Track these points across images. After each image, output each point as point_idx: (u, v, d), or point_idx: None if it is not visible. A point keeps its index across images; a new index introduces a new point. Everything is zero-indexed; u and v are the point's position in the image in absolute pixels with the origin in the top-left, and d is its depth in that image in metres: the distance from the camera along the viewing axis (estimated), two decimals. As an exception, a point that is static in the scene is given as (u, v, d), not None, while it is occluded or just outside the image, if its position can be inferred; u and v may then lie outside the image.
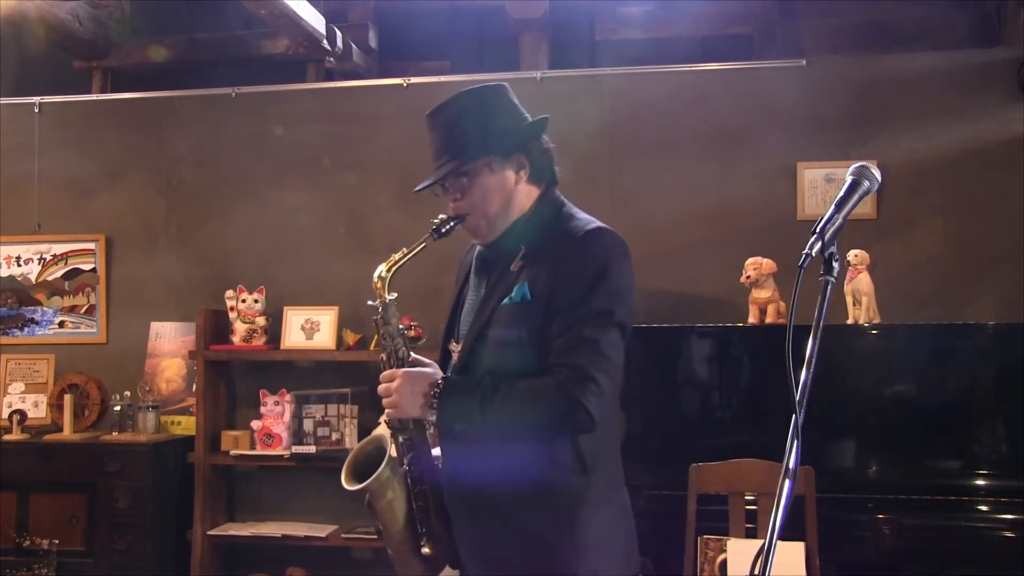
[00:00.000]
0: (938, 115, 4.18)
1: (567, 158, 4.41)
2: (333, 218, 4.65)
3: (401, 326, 2.05)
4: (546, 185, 2.05)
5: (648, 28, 5.58)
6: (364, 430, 4.29)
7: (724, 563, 3.04)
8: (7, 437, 4.49)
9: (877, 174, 1.57)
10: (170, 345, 4.71)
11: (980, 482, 3.42)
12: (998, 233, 4.09)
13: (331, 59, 5.01)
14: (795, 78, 4.31)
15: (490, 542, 1.94)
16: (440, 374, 1.97)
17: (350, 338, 4.37)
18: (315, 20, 4.63)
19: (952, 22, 5.15)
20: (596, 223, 1.97)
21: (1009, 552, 3.23)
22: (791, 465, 1.41)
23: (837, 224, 1.50)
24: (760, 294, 3.82)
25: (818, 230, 1.48)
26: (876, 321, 3.72)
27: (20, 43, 5.03)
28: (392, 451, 1.98)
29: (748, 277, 3.82)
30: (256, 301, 4.43)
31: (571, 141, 4.27)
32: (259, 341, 4.42)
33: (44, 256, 4.86)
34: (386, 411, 1.97)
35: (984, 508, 3.34)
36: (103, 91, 5.18)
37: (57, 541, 4.19)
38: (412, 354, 2.02)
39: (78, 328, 4.83)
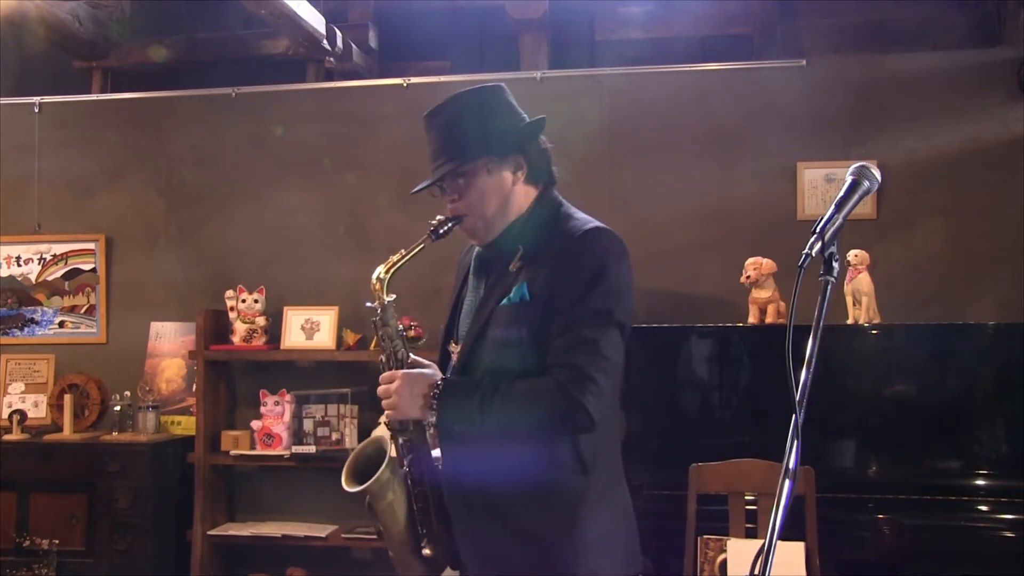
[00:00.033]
0: (938, 115, 4.18)
1: (567, 158, 4.40)
2: (333, 218, 4.65)
3: (401, 326, 2.05)
4: (544, 185, 2.05)
5: (648, 28, 5.58)
6: (364, 430, 4.30)
7: (724, 563, 3.04)
8: (7, 437, 4.49)
9: (877, 174, 1.57)
10: (170, 345, 4.71)
11: (980, 482, 3.42)
12: (998, 233, 4.09)
13: (331, 59, 5.01)
14: (795, 78, 4.31)
15: (490, 542, 1.94)
16: (439, 375, 1.97)
17: (350, 338, 4.37)
18: (315, 20, 4.63)
19: (952, 22, 5.15)
20: (594, 223, 1.97)
21: (1009, 552, 3.23)
22: (791, 465, 1.41)
23: (837, 224, 1.50)
24: (760, 294, 3.82)
25: (818, 230, 1.48)
26: (876, 321, 3.72)
27: (20, 43, 5.03)
28: (392, 452, 1.98)
29: (748, 277, 3.82)
30: (256, 301, 4.43)
31: (571, 141, 4.28)
32: (259, 341, 4.42)
33: (44, 256, 4.86)
34: (386, 412, 1.97)
35: (984, 508, 3.34)
36: (103, 91, 5.18)
37: (57, 541, 4.18)
38: (411, 355, 2.02)
39: (78, 328, 4.83)
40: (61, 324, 4.84)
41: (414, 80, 4.63)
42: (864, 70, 4.30)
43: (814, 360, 1.43)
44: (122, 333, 4.78)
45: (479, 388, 1.88)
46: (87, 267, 4.83)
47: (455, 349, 2.04)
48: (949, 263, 4.14)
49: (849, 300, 3.76)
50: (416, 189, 2.06)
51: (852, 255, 3.76)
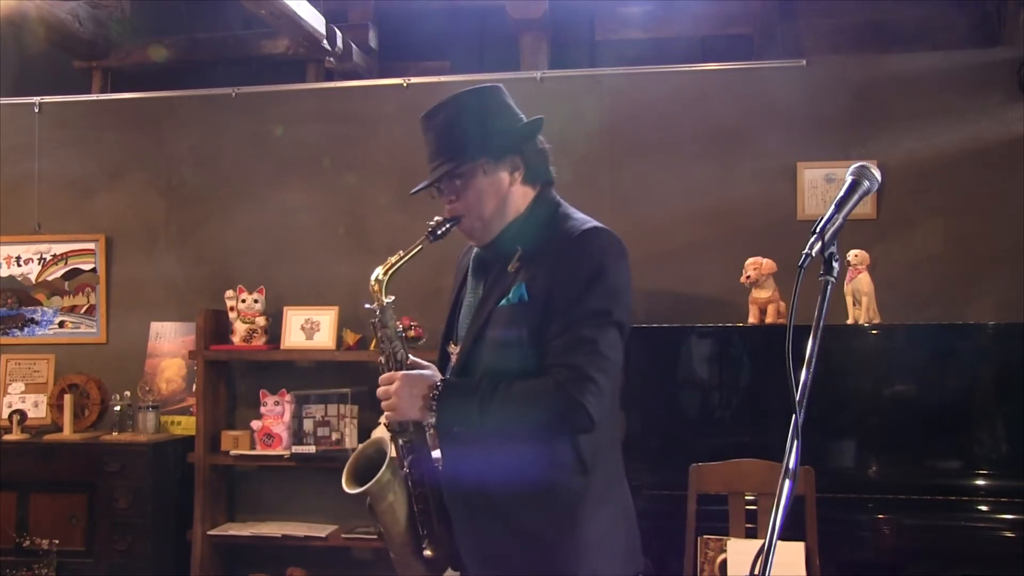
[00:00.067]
0: (938, 115, 4.18)
1: (567, 158, 4.40)
2: (333, 218, 4.65)
3: (401, 326, 2.06)
4: (542, 185, 2.05)
5: (648, 28, 5.58)
6: (364, 430, 4.30)
7: (724, 563, 3.04)
8: (7, 437, 4.49)
9: (877, 174, 1.57)
10: (170, 345, 4.71)
11: (980, 482, 3.42)
12: (998, 233, 4.09)
13: (331, 59, 5.01)
14: (795, 78, 4.31)
15: (490, 542, 1.94)
16: (439, 376, 1.97)
17: (350, 338, 4.37)
18: (315, 20, 4.64)
19: (952, 22, 5.15)
20: (592, 223, 1.97)
21: (1009, 552, 3.23)
22: (791, 465, 1.41)
23: (837, 224, 1.50)
24: (760, 294, 3.82)
25: (818, 230, 1.48)
26: (876, 321, 3.72)
27: (20, 43, 5.03)
28: (392, 454, 1.98)
29: (748, 277, 3.82)
30: (256, 301, 4.43)
31: (571, 141, 4.29)
32: (259, 341, 4.42)
33: (44, 256, 4.86)
34: (385, 414, 1.97)
35: (984, 508, 3.34)
36: (103, 91, 5.18)
37: (57, 541, 4.18)
38: (411, 356, 2.02)
39: (78, 328, 4.83)
40: (61, 324, 4.84)
41: (414, 80, 4.63)
42: (864, 70, 4.30)
43: (814, 360, 1.43)
44: (122, 333, 4.78)
45: (478, 389, 1.88)
46: (87, 267, 4.83)
47: (454, 350, 2.04)
48: (949, 263, 4.14)
49: (849, 300, 3.76)
50: (414, 190, 2.07)
51: (852, 255, 3.76)
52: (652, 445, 3.76)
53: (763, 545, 1.40)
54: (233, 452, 4.37)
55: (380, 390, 1.97)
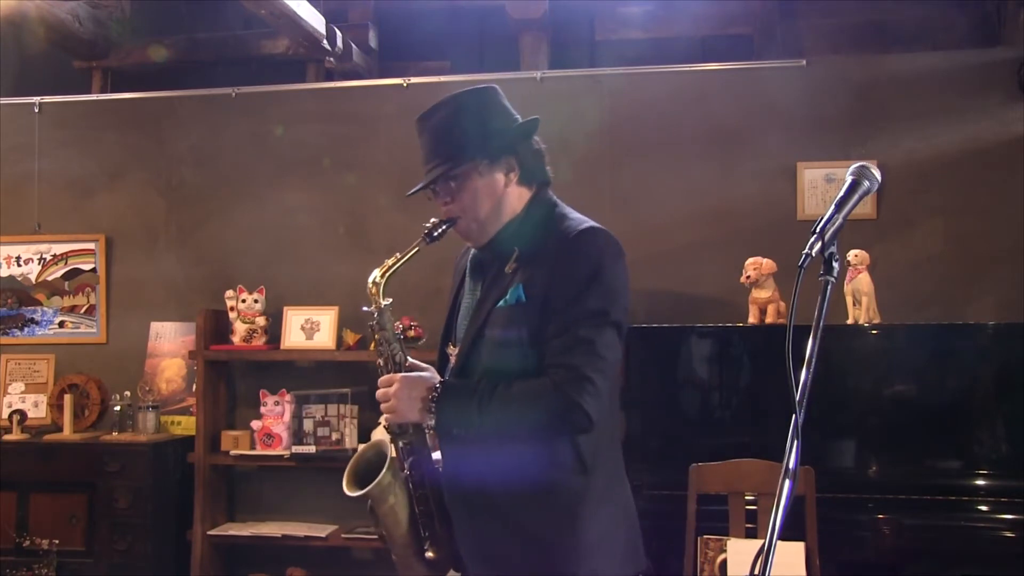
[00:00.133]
0: (938, 115, 4.18)
1: (567, 158, 4.41)
2: (333, 218, 4.65)
3: (401, 326, 2.06)
4: (538, 186, 2.05)
5: (648, 28, 5.58)
6: (364, 430, 4.30)
7: (724, 563, 3.04)
8: (7, 437, 4.49)
9: (877, 174, 1.57)
10: (170, 345, 4.71)
11: (980, 482, 3.42)
12: (998, 233, 4.09)
13: (331, 59, 5.01)
14: (795, 78, 4.31)
15: (490, 542, 1.94)
16: (437, 378, 1.97)
17: (350, 338, 4.37)
18: (315, 20, 4.64)
19: (952, 22, 5.15)
20: (589, 223, 1.97)
21: (1009, 552, 3.23)
22: (791, 465, 1.41)
23: (837, 224, 1.50)
24: (760, 294, 3.82)
25: (818, 230, 1.48)
26: (876, 321, 3.72)
27: (20, 43, 5.03)
28: (392, 455, 1.98)
29: (748, 277, 3.82)
30: (256, 301, 4.43)
31: (571, 141, 4.29)
32: (259, 341, 4.42)
33: (44, 256, 4.86)
34: (385, 416, 1.97)
35: (984, 508, 3.34)
36: (103, 91, 5.18)
37: (57, 541, 4.18)
38: (409, 359, 2.02)
39: (78, 328, 4.83)
40: (61, 324, 4.84)
41: (414, 80, 4.63)
42: (864, 70, 4.30)
43: (814, 360, 1.43)
44: (122, 333, 4.78)
45: (477, 390, 1.88)
46: (87, 267, 4.83)
47: (453, 351, 2.04)
48: (949, 263, 4.14)
49: (849, 300, 3.76)
50: (410, 192, 2.07)
51: (852, 255, 3.76)
52: (652, 445, 3.76)
53: (763, 545, 1.40)
54: (233, 452, 4.37)
55: (379, 392, 1.97)
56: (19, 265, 4.87)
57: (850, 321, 3.75)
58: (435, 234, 2.00)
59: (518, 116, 2.05)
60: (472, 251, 2.10)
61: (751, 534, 3.07)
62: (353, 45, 5.10)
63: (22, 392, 4.76)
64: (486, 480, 1.90)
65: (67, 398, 4.54)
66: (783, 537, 1.39)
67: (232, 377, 4.64)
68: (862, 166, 1.57)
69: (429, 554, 1.99)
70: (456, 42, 5.70)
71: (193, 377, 4.52)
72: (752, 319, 3.84)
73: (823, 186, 4.22)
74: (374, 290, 2.01)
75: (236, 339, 4.42)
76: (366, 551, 4.37)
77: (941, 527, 3.29)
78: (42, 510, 4.32)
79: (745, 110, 4.34)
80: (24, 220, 4.86)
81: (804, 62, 4.33)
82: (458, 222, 2.01)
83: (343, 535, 4.29)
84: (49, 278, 4.86)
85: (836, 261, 1.49)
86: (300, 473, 4.43)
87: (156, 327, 4.74)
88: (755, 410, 3.75)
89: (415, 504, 1.99)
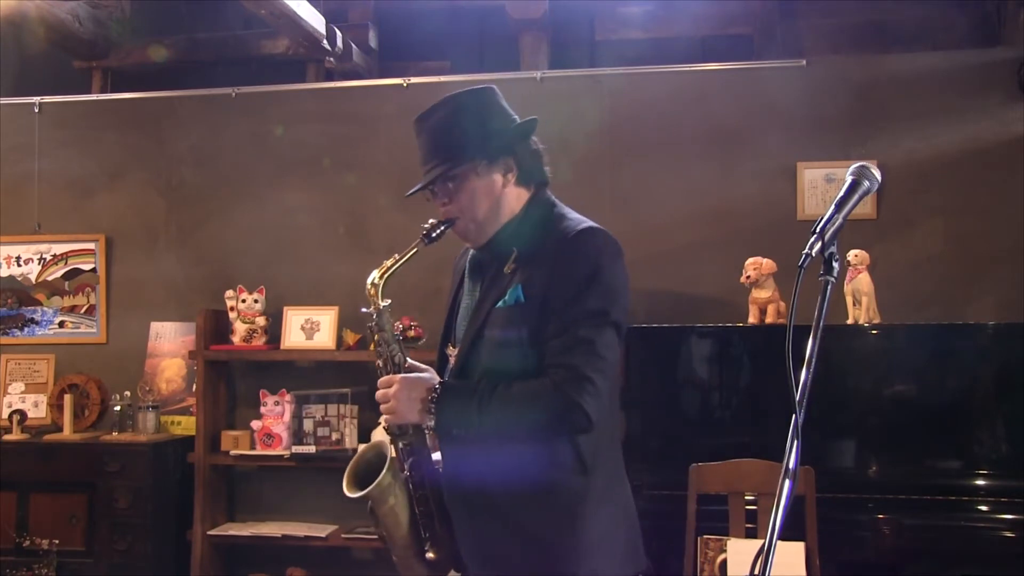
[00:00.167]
0: (938, 115, 4.18)
1: (567, 158, 4.41)
2: (333, 218, 4.65)
3: (400, 326, 2.06)
4: (536, 186, 2.05)
5: (648, 28, 5.58)
6: (364, 430, 4.30)
7: (724, 563, 3.04)
8: (7, 437, 4.49)
9: (877, 174, 1.57)
10: (170, 345, 4.71)
11: (980, 482, 3.42)
12: (998, 233, 4.09)
13: (331, 59, 5.01)
14: (795, 78, 4.31)
15: (490, 542, 1.94)
16: (437, 379, 1.98)
17: (350, 338, 4.37)
18: (315, 20, 4.64)
19: (952, 22, 5.15)
20: (587, 223, 1.96)
21: (1009, 552, 3.23)
22: (791, 465, 1.41)
23: (837, 224, 1.50)
24: (760, 294, 3.82)
25: (818, 230, 1.48)
26: (876, 321, 3.72)
27: (20, 43, 5.03)
28: (392, 456, 1.98)
29: (748, 277, 3.82)
30: (256, 301, 4.43)
31: (571, 141, 4.29)
32: (259, 341, 4.42)
33: (44, 256, 4.86)
34: (384, 417, 1.97)
35: (984, 508, 3.34)
36: (103, 91, 5.18)
37: (57, 541, 4.18)
38: (408, 359, 2.02)
39: (78, 328, 4.83)
40: (61, 324, 4.84)
41: (414, 80, 4.63)
42: (864, 70, 4.30)
43: (814, 360, 1.43)
44: (122, 333, 4.78)
45: (477, 391, 1.88)
46: (87, 267, 4.83)
47: (452, 352, 2.05)
48: (949, 263, 4.14)
49: (849, 300, 3.76)
50: (408, 193, 2.07)
51: (852, 255, 3.76)
52: (652, 445, 3.76)
53: (763, 545, 1.40)
54: (233, 452, 4.37)
55: (379, 393, 1.97)
56: (19, 265, 4.87)
57: (850, 321, 3.75)
58: (433, 235, 2.00)
59: (516, 116, 2.05)
60: (471, 252, 2.11)
61: (751, 534, 3.07)
62: (353, 45, 5.10)
63: (22, 392, 4.76)
64: (486, 480, 1.90)
65: (67, 398, 4.54)
66: (783, 537, 1.39)
67: (232, 377, 4.64)
68: (862, 166, 1.57)
69: (429, 555, 1.99)
70: (456, 42, 5.70)
71: (193, 377, 4.52)
72: (752, 319, 3.84)
73: (823, 186, 4.22)
74: (373, 291, 2.01)
75: (236, 339, 4.43)
76: (366, 551, 4.37)
77: (941, 527, 3.29)
78: (42, 510, 4.33)
79: (745, 110, 4.34)
80: (24, 220, 4.86)
81: (804, 62, 4.33)
82: (456, 223, 2.01)
83: (343, 535, 4.29)
84: (49, 278, 4.86)
85: (836, 261, 1.49)
86: (300, 473, 4.43)
87: (156, 327, 4.74)
88: (755, 410, 3.75)
89: (415, 505, 1.99)
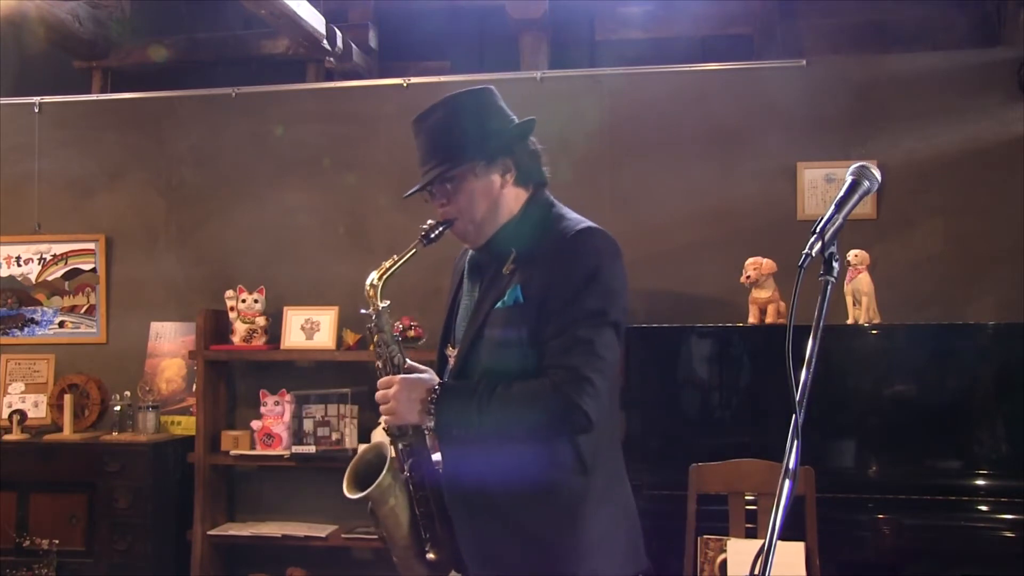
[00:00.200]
0: (938, 115, 4.18)
1: (567, 158, 4.41)
2: (333, 218, 4.65)
3: (400, 326, 2.06)
4: (535, 187, 2.05)
5: (648, 28, 5.58)
6: (364, 430, 4.30)
7: (724, 563, 3.04)
8: (7, 437, 4.49)
9: (877, 174, 1.57)
10: (170, 345, 4.71)
11: (980, 482, 3.42)
12: (998, 233, 4.09)
13: (331, 59, 5.01)
14: (795, 78, 4.31)
15: (491, 542, 1.94)
16: (436, 380, 1.98)
17: (350, 338, 4.36)
18: (315, 20, 4.64)
19: (952, 22, 5.15)
20: (586, 223, 1.96)
21: (1009, 552, 3.23)
22: (791, 465, 1.41)
23: (837, 224, 1.50)
24: (760, 294, 3.82)
25: (818, 230, 1.48)
26: (876, 321, 3.72)
27: (20, 43, 5.03)
28: (392, 457, 1.98)
29: (748, 277, 3.82)
30: (256, 301, 4.43)
31: (571, 141, 4.29)
32: (259, 341, 4.42)
33: (44, 256, 4.86)
34: (384, 418, 1.97)
35: (984, 508, 3.34)
36: (103, 91, 5.18)
37: (57, 541, 4.18)
38: (408, 360, 2.02)
39: (78, 328, 4.83)
40: (61, 324, 4.85)
41: (414, 80, 4.63)
42: (864, 70, 4.30)
43: (814, 360, 1.43)
44: (122, 333, 4.78)
45: (476, 391, 1.88)
46: (87, 267, 4.83)
47: (452, 353, 2.05)
48: (949, 263, 4.14)
49: (849, 300, 3.76)
50: (406, 194, 2.07)
51: (852, 255, 3.76)
52: (652, 445, 3.76)
53: (763, 545, 1.40)
54: (233, 452, 4.37)
55: (379, 394, 1.97)
56: (19, 265, 4.87)
57: (850, 321, 3.75)
58: (432, 236, 2.00)
59: (514, 117, 2.05)
60: (470, 252, 2.11)
61: (751, 534, 3.07)
62: (353, 45, 5.10)
63: (22, 392, 4.76)
64: (486, 481, 1.90)
65: (67, 398, 4.54)
66: (783, 537, 1.39)
67: (232, 377, 4.64)
68: (862, 166, 1.57)
69: (430, 555, 1.99)
70: (456, 42, 5.70)
71: (193, 377, 4.52)
72: (752, 319, 3.84)
73: (823, 186, 4.22)
74: (372, 292, 2.00)
75: (236, 339, 4.43)
76: (366, 551, 4.37)
77: (941, 527, 3.29)
78: (42, 510, 4.33)
79: (745, 110, 4.34)
80: (24, 220, 4.86)
81: (804, 62, 4.33)
82: (455, 224, 2.01)
83: (343, 535, 4.29)
84: (49, 278, 4.86)
85: (836, 261, 1.49)
86: (300, 473, 4.43)
87: (156, 327, 4.74)
88: (755, 410, 3.75)
89: (415, 505, 1.99)
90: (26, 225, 4.86)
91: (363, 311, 2.03)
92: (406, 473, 1.99)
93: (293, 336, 4.44)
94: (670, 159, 4.38)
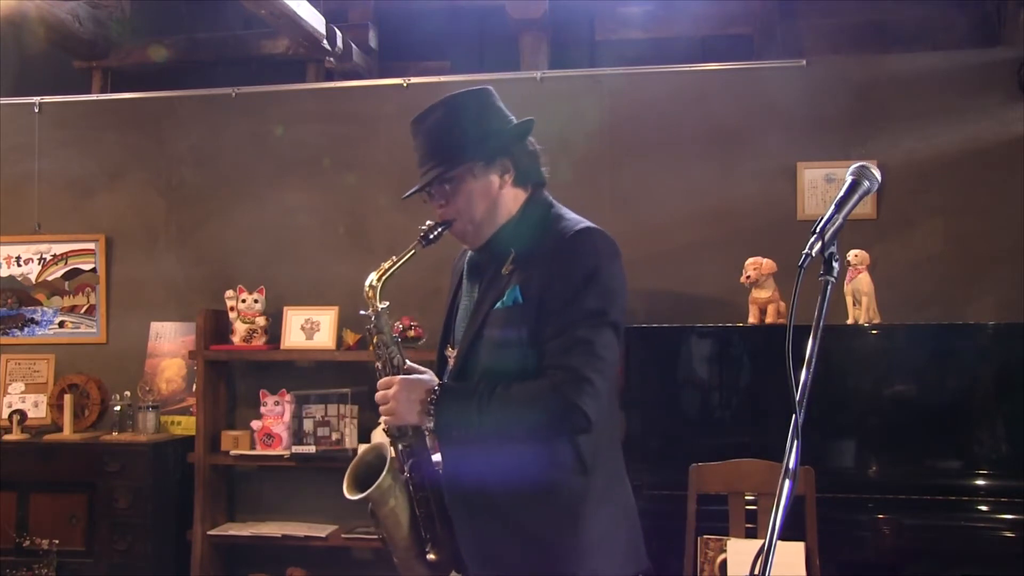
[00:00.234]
0: (938, 115, 4.18)
1: (567, 158, 4.40)
2: (333, 218, 4.65)
3: (400, 326, 2.06)
4: (533, 187, 2.05)
5: (648, 28, 5.58)
6: (364, 430, 4.30)
7: (724, 563, 3.04)
8: (7, 437, 4.49)
9: (877, 174, 1.57)
10: (170, 345, 4.72)
11: (980, 482, 3.42)
12: (998, 233, 4.09)
13: (331, 59, 5.01)
14: (795, 78, 4.31)
15: (491, 542, 1.94)
16: (436, 381, 1.98)
17: (350, 338, 4.36)
18: (315, 20, 4.64)
19: (952, 22, 5.15)
20: (585, 223, 1.96)
21: (1009, 552, 3.23)
22: (791, 465, 1.41)
23: (837, 224, 1.50)
24: (760, 294, 3.82)
25: (818, 230, 1.48)
26: (876, 321, 3.72)
27: (20, 43, 5.03)
28: (392, 458, 1.99)
29: (748, 277, 3.82)
30: (256, 301, 4.43)
31: (571, 141, 4.29)
32: (259, 341, 4.42)
33: (44, 256, 4.86)
34: (384, 419, 1.97)
35: (984, 508, 3.34)
36: (103, 91, 5.18)
37: (57, 541, 4.18)
38: (407, 361, 2.03)
39: (78, 328, 4.83)
40: (61, 324, 4.85)
41: (414, 80, 4.63)
42: (864, 70, 4.30)
43: (814, 360, 1.43)
44: (122, 333, 4.78)
45: (476, 392, 1.88)
46: (87, 267, 4.83)
47: (452, 353, 2.05)
48: (949, 263, 4.14)
49: (849, 300, 3.76)
50: (405, 195, 2.07)
51: (852, 255, 3.76)
52: (652, 445, 3.76)
53: (763, 545, 1.40)
54: (233, 452, 4.37)
55: (378, 395, 1.97)
56: (19, 265, 4.87)
57: (850, 321, 3.75)
58: (431, 237, 2.00)
59: (513, 117, 2.05)
60: (469, 253, 2.11)
61: (751, 534, 3.07)
62: (353, 45, 5.10)
63: (22, 392, 4.76)
64: (486, 481, 1.90)
65: (67, 398, 4.54)
66: (783, 537, 1.39)
67: (232, 377, 4.64)
68: (862, 166, 1.57)
69: (430, 556, 1.99)
70: (456, 42, 5.70)
71: (193, 377, 4.52)
72: (752, 319, 3.84)
73: (823, 186, 4.22)
74: (371, 293, 2.00)
75: (236, 339, 4.43)
76: (366, 551, 4.37)
77: (941, 527, 3.29)
78: (42, 510, 4.33)
79: (745, 110, 4.34)
80: (24, 220, 4.86)
81: (804, 62, 4.34)
82: (454, 224, 2.01)
83: (343, 535, 4.29)
84: (49, 278, 4.86)
85: (836, 261, 1.49)
86: (300, 473, 4.43)
87: (156, 327, 4.74)
88: (755, 410, 3.75)
89: (416, 506, 1.99)
90: (26, 225, 4.86)
91: (362, 312, 2.03)
92: (406, 474, 1.99)
93: (293, 336, 4.44)
94: (670, 159, 4.38)
